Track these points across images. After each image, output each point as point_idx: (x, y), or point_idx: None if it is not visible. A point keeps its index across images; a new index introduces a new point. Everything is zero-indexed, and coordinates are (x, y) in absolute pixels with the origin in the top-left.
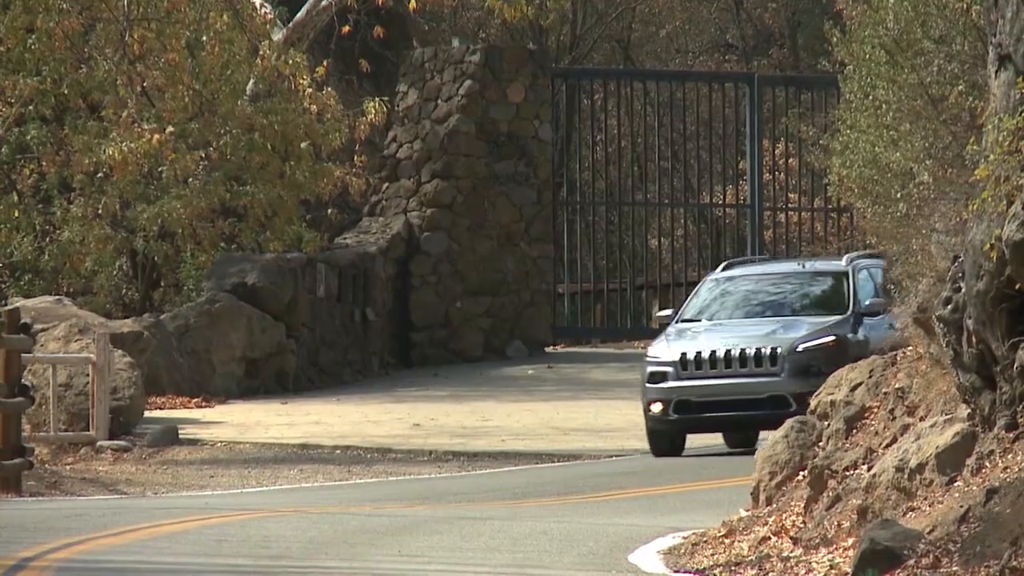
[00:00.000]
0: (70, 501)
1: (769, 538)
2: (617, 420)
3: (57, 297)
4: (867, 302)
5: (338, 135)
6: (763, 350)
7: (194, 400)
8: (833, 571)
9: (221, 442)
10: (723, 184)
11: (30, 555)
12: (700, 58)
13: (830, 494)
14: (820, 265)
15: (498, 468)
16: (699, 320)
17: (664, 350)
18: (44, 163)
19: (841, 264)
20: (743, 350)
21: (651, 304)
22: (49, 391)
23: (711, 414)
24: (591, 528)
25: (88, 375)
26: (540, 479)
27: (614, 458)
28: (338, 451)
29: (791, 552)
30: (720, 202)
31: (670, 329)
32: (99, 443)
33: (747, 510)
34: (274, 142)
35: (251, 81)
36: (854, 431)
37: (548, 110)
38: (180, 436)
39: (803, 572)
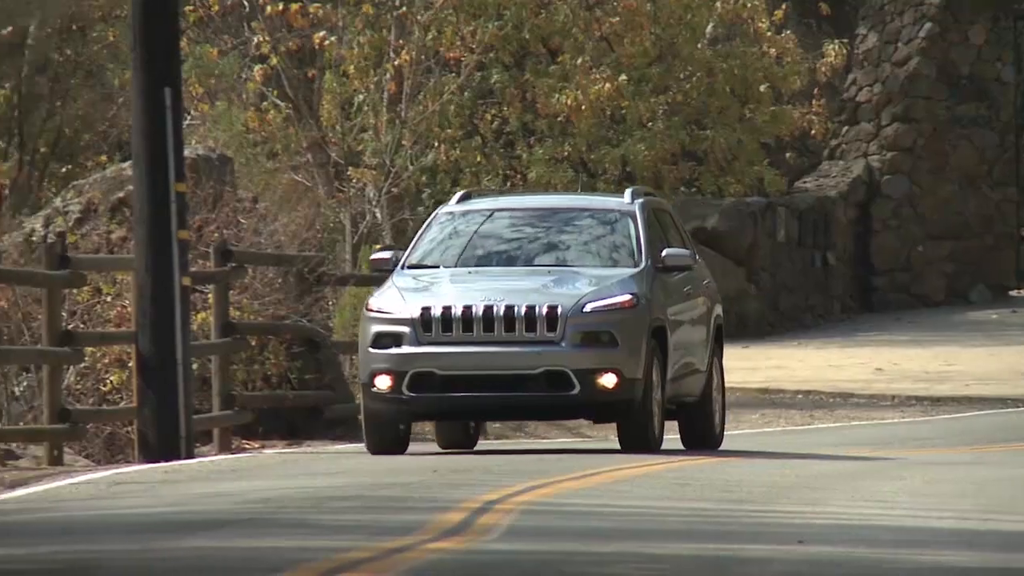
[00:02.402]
0: (532, 444)
1: None
2: None
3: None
4: (666, 252)
5: (797, 78)
6: (538, 309)
7: None
8: None
9: None
10: None
11: (494, 498)
12: None
13: None
14: (596, 201)
15: (962, 413)
16: (434, 266)
17: (396, 303)
18: (507, 107)
19: (624, 201)
20: (510, 308)
21: None
22: None
23: (463, 394)
24: None
25: None
26: (1006, 424)
27: None
28: (799, 396)
29: None
30: None
31: (398, 276)
32: None
33: None
34: (733, 85)
35: (710, 25)
36: None
37: (1010, 52)
38: None
39: None
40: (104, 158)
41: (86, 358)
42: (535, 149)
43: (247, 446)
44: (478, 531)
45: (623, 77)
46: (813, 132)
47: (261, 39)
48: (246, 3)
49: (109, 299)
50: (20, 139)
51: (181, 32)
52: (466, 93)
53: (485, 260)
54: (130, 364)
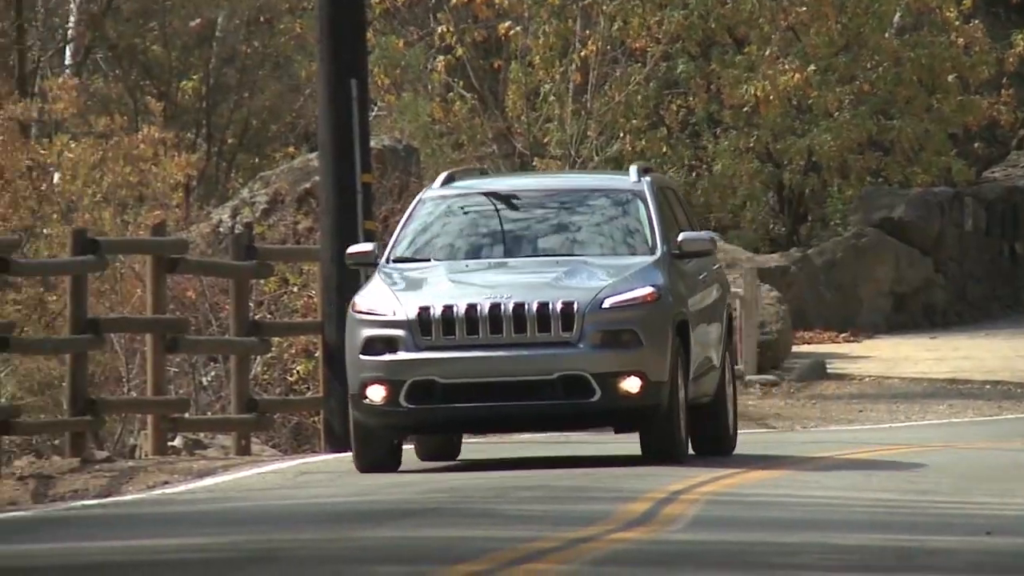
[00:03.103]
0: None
1: None
2: None
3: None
4: (683, 237)
5: (985, 68)
6: (551, 306)
7: (841, 334)
8: None
9: (869, 376)
10: None
11: (680, 488)
12: None
13: None
14: (599, 180)
15: None
16: (424, 259)
17: (388, 303)
18: (692, 98)
19: (630, 179)
20: (520, 306)
21: None
22: None
23: (469, 404)
24: None
25: (735, 310)
26: None
27: None
28: (988, 386)
29: None
30: None
31: (385, 271)
32: (747, 377)
33: None
34: (921, 75)
35: (897, 14)
36: None
37: None
38: (828, 370)
39: None
40: (291, 149)
41: (273, 348)
42: (721, 140)
43: None
44: (663, 521)
45: (812, 67)
46: (1001, 122)
47: (446, 30)
48: None
49: (295, 289)
50: (208, 130)
51: (367, 23)
52: (652, 83)
53: (481, 251)
54: (316, 354)
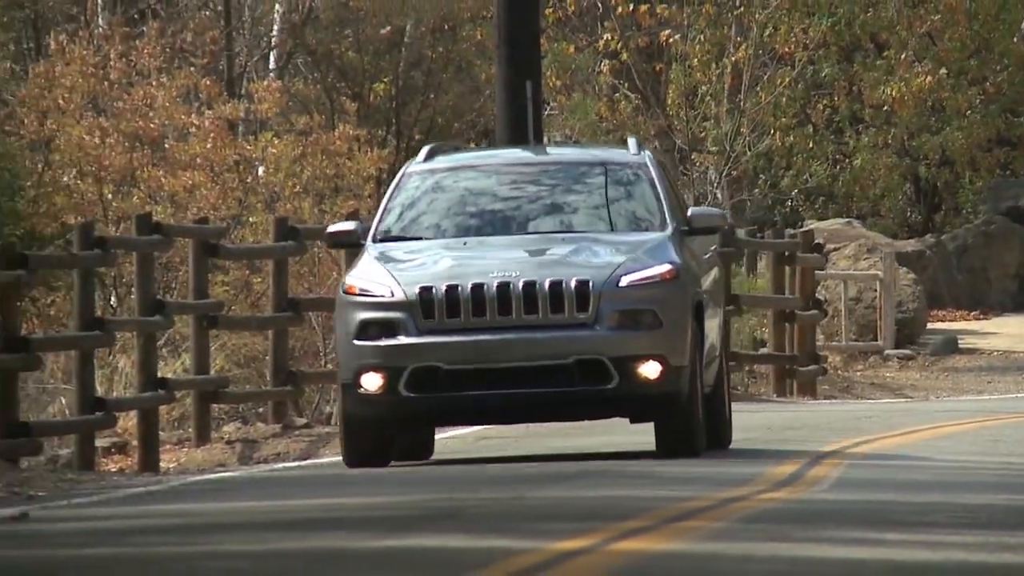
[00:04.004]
0: (860, 404)
1: None
2: None
3: (847, 219)
4: (693, 212)
5: None
6: (565, 284)
7: (971, 313)
8: None
9: (997, 351)
10: None
11: (825, 451)
12: None
13: None
14: (598, 153)
15: None
16: (415, 237)
17: (384, 283)
18: (836, 98)
19: (630, 152)
20: (531, 284)
21: None
22: (840, 305)
23: (476, 392)
24: None
25: (875, 290)
26: None
27: None
28: None
29: None
30: None
31: (375, 250)
32: (886, 352)
33: None
34: None
35: None
36: None
37: None
38: (959, 345)
39: None
40: (472, 145)
41: None
42: (862, 136)
43: None
44: (808, 482)
45: (943, 71)
46: None
47: (612, 37)
48: (599, 4)
49: None
50: (397, 128)
51: (541, 31)
52: (799, 85)
53: (479, 228)
54: None
